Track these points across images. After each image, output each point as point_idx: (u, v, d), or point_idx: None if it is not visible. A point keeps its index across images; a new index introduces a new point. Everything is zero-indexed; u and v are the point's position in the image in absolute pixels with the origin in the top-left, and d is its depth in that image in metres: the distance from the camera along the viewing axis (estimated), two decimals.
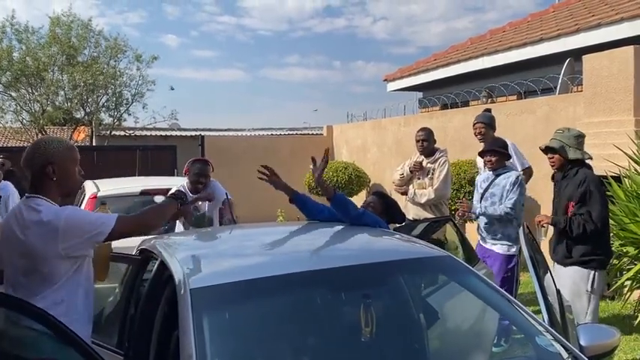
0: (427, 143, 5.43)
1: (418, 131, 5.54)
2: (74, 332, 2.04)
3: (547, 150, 3.93)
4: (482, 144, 5.06)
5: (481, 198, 4.66)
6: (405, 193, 5.51)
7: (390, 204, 3.61)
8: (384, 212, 3.45)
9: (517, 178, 4.54)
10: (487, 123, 5.33)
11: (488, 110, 5.76)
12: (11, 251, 2.31)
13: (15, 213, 2.34)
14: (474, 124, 5.40)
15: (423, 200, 5.30)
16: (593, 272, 3.77)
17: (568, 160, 3.83)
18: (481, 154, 4.74)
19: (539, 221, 3.90)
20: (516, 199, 4.44)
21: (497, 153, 4.58)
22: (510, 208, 4.40)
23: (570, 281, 3.76)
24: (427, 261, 2.56)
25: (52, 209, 2.28)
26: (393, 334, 2.46)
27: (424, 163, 5.43)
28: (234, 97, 72.50)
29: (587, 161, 3.95)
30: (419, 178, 5.41)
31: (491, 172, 4.66)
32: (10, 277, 2.35)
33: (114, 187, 6.09)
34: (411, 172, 5.44)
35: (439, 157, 5.41)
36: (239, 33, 76.49)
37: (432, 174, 5.36)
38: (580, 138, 3.88)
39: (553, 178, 4.12)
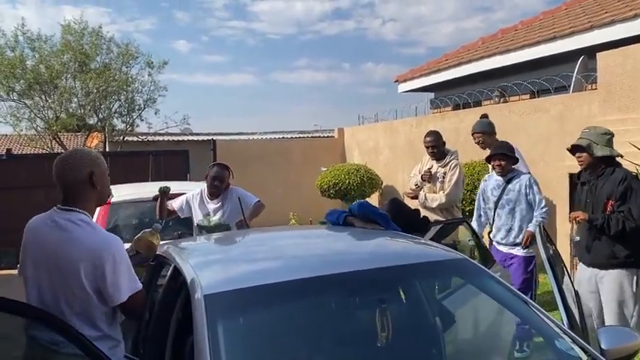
0: (436, 149, 5.31)
1: (425, 137, 5.40)
2: (84, 336, 2.04)
3: (575, 149, 3.80)
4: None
5: (496, 206, 4.63)
6: (415, 197, 5.41)
7: (398, 207, 3.57)
8: (394, 216, 3.39)
9: (530, 179, 4.56)
10: (486, 131, 5.23)
11: (485, 116, 5.64)
12: (37, 266, 2.21)
13: (48, 225, 2.22)
14: (473, 134, 5.28)
15: (434, 205, 5.21)
16: (636, 272, 3.64)
17: (598, 159, 3.70)
18: (488, 158, 4.70)
19: (575, 217, 3.71)
20: (543, 199, 4.52)
21: (505, 157, 4.56)
22: (545, 211, 4.49)
23: (616, 284, 3.61)
24: (443, 264, 2.52)
25: (102, 232, 2.24)
26: (410, 339, 2.44)
27: (435, 168, 5.32)
28: (245, 100, 72.68)
29: (618, 159, 3.82)
30: (429, 182, 5.33)
31: (501, 179, 4.64)
32: (32, 291, 2.24)
33: (127, 193, 6.10)
34: (423, 180, 5.34)
35: (450, 161, 5.30)
36: (249, 37, 76.70)
37: (444, 178, 5.25)
38: (607, 135, 3.75)
39: (579, 177, 3.97)
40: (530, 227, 4.46)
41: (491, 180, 4.77)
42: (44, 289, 2.20)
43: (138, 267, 2.49)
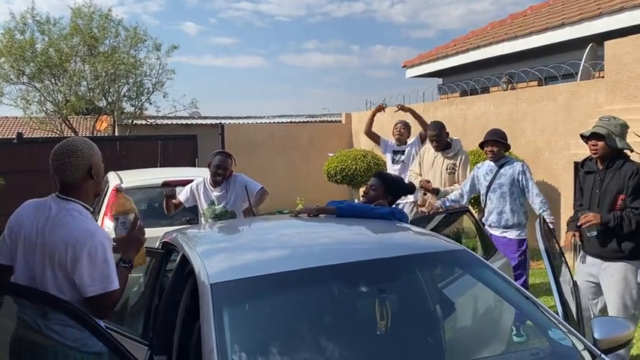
0: (441, 141, 5.27)
1: (428, 130, 5.37)
2: (97, 322, 2.13)
3: (591, 136, 3.70)
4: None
5: (487, 190, 4.73)
6: (429, 191, 5.20)
7: (390, 180, 3.67)
8: (388, 191, 3.52)
9: (522, 166, 4.68)
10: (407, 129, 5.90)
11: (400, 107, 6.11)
12: (29, 249, 2.25)
13: (44, 212, 2.27)
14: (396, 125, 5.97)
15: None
16: (638, 263, 3.61)
17: (613, 150, 3.63)
18: (482, 145, 4.80)
19: (588, 221, 3.58)
20: (537, 188, 4.64)
21: (498, 143, 4.69)
22: (541, 200, 4.57)
23: (621, 276, 3.60)
24: (443, 255, 2.60)
25: (92, 224, 2.27)
26: (410, 327, 2.51)
27: (440, 158, 5.27)
28: (254, 83, 72.76)
29: (627, 152, 3.79)
30: (427, 193, 5.22)
31: (493, 164, 4.76)
32: (24, 275, 2.27)
33: (136, 179, 6.20)
34: (423, 188, 5.23)
35: (458, 152, 5.27)
36: (257, 19, 76.48)
37: (453, 169, 5.21)
38: (625, 128, 3.70)
39: (582, 165, 3.92)
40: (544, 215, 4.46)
41: (484, 166, 4.89)
42: (25, 270, 2.26)
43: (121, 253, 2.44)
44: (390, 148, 6.14)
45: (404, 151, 5.99)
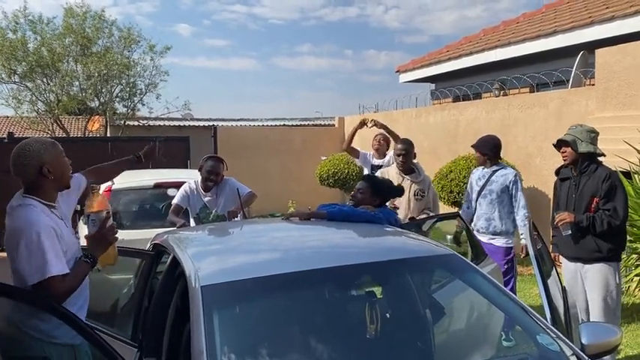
0: (407, 159, 4.87)
1: (397, 144, 4.99)
2: (88, 324, 2.14)
3: (559, 144, 3.91)
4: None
5: (478, 195, 4.77)
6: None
7: (377, 183, 3.69)
8: (375, 194, 3.54)
9: (515, 176, 4.72)
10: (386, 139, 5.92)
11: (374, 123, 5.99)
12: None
13: (10, 206, 2.39)
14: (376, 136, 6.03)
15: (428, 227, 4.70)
16: (616, 265, 3.75)
17: (580, 155, 3.78)
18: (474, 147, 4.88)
19: (562, 219, 3.73)
20: (524, 198, 4.69)
21: (477, 150, 4.79)
22: (524, 214, 4.63)
23: (601, 277, 3.70)
24: (433, 259, 2.61)
25: (34, 216, 2.29)
26: (400, 332, 2.52)
27: (406, 183, 4.79)
28: (247, 86, 72.76)
29: (600, 158, 3.92)
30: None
31: (486, 170, 4.79)
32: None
33: (128, 180, 6.16)
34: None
35: (425, 177, 4.97)
36: (251, 22, 76.57)
37: (422, 195, 4.85)
38: (592, 133, 3.85)
39: (558, 173, 4.08)
40: (523, 240, 4.61)
41: (478, 171, 4.92)
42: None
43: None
44: (369, 163, 6.04)
45: (382, 165, 5.75)
